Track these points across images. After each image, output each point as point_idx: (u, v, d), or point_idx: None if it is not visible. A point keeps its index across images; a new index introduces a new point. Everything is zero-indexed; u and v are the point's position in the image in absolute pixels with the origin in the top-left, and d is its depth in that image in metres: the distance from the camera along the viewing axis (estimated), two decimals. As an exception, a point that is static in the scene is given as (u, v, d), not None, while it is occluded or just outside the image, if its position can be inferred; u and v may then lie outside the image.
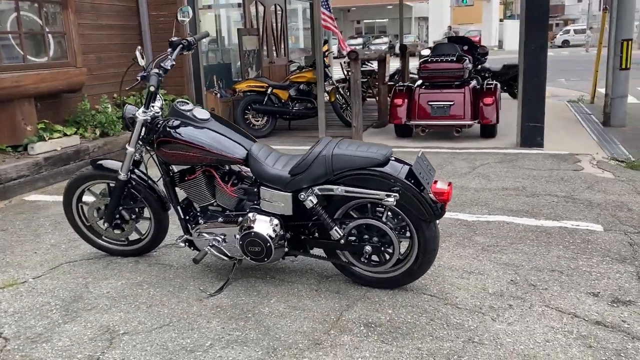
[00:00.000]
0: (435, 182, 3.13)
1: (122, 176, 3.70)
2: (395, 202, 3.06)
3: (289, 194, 3.27)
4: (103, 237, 4.07)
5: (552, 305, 3.17)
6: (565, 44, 45.90)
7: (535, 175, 6.01)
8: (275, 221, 3.36)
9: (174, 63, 3.52)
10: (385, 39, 40.44)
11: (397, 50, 13.73)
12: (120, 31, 8.29)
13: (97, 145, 7.03)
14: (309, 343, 2.88)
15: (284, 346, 2.86)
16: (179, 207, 3.64)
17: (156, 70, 3.44)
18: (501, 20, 53.67)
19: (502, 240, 4.20)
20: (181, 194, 3.66)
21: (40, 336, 3.05)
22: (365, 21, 56.05)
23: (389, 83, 10.66)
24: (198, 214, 3.65)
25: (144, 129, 3.57)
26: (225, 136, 3.41)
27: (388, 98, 9.56)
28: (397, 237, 3.21)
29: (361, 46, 31.75)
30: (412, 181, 3.11)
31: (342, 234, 3.27)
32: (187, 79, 8.82)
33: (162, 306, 3.33)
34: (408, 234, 3.28)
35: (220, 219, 3.49)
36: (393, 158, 3.19)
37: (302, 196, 3.20)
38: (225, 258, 3.53)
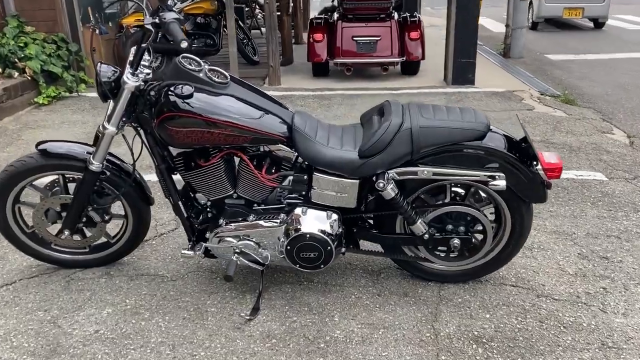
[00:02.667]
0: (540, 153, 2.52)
1: (96, 166, 2.59)
2: (504, 185, 2.41)
3: (357, 181, 2.47)
4: (52, 246, 2.94)
5: (648, 284, 2.82)
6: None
7: (496, 117, 5.70)
8: (334, 216, 2.56)
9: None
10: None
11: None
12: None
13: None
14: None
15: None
16: (181, 204, 2.66)
17: (174, 15, 2.33)
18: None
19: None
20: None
21: None
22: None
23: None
24: (208, 210, 2.70)
25: (134, 100, 2.49)
26: (257, 106, 2.47)
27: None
28: (491, 224, 2.59)
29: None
30: (517, 154, 2.47)
31: (426, 228, 2.56)
32: (60, 11, 7.11)
33: (192, 346, 2.42)
34: (491, 215, 2.68)
35: (251, 217, 2.59)
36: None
37: (380, 184, 2.42)
38: (259, 267, 2.67)
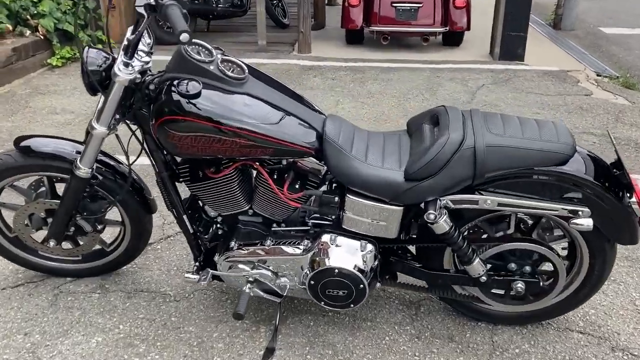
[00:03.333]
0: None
1: (84, 172, 2.14)
2: (591, 225, 1.90)
3: (400, 208, 1.97)
4: (39, 252, 2.52)
5: None
6: None
7: (550, 103, 5.08)
8: (370, 247, 2.09)
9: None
10: None
11: None
12: None
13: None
14: None
15: None
16: (186, 217, 2.20)
17: None
18: None
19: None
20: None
21: None
22: None
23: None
24: (219, 225, 2.25)
25: (130, 94, 2.01)
26: (280, 108, 1.97)
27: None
28: (563, 263, 2.09)
29: None
30: (606, 183, 1.95)
31: (484, 269, 2.07)
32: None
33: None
34: (563, 249, 2.18)
35: (269, 241, 2.13)
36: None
37: (430, 216, 1.92)
38: (276, 299, 2.22)
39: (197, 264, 2.25)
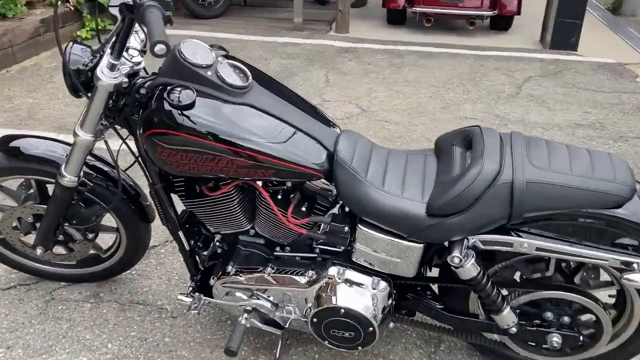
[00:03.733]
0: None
1: (69, 180, 1.92)
2: (646, 281, 1.59)
3: (420, 245, 1.69)
4: (31, 256, 2.35)
5: None
6: None
7: (602, 101, 4.65)
8: (383, 285, 1.82)
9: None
10: None
11: None
12: None
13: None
14: None
15: None
16: (181, 234, 1.97)
17: None
18: None
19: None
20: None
21: None
22: None
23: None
24: (218, 243, 2.01)
25: (117, 98, 1.78)
26: (287, 122, 1.70)
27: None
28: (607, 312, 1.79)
29: None
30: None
31: (516, 319, 1.78)
32: None
33: None
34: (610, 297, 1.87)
35: (269, 269, 1.88)
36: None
37: (455, 259, 1.63)
38: (276, 331, 1.99)
39: (192, 284, 2.03)
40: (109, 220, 2.23)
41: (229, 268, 1.91)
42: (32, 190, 2.16)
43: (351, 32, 6.49)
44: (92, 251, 2.32)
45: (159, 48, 1.32)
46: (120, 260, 2.32)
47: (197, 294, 2.00)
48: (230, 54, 1.82)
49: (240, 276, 1.90)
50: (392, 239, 1.71)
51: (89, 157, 2.05)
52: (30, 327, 2.22)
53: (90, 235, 2.18)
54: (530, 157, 1.62)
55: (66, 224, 2.10)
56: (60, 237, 2.15)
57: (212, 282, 1.96)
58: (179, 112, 1.61)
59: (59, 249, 2.26)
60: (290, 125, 1.70)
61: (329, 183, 1.80)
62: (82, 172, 1.94)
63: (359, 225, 1.74)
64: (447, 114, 4.33)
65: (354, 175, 1.69)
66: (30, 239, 2.20)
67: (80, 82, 1.74)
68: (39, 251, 2.13)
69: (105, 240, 2.42)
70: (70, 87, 1.75)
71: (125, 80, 1.67)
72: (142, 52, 1.77)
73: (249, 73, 1.71)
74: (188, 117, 1.61)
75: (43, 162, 2.02)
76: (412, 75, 5.13)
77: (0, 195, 2.24)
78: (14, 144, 2.05)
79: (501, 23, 6.66)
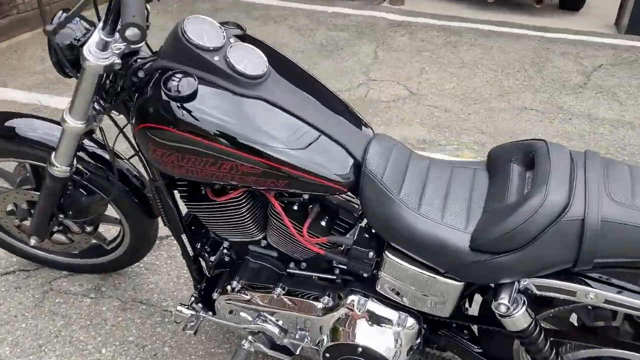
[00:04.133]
0: None
1: (59, 170, 1.68)
2: None
3: (459, 284, 1.38)
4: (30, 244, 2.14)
5: None
6: None
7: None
8: (410, 322, 1.53)
9: None
10: None
11: None
12: None
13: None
14: None
15: None
16: (184, 237, 1.71)
17: None
18: None
19: None
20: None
21: None
22: None
23: None
24: (226, 250, 1.75)
25: (115, 79, 1.52)
26: (308, 122, 1.39)
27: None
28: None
29: None
30: None
31: (570, 379, 1.47)
32: None
33: None
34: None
35: (279, 289, 1.61)
36: None
37: (502, 308, 1.32)
38: (284, 357, 1.72)
39: (195, 293, 1.78)
40: (111, 212, 2.00)
41: (234, 283, 1.65)
42: (28, 174, 1.94)
43: (406, 4, 6.06)
44: (95, 241, 2.11)
45: (131, 33, 1.04)
46: (124, 254, 2.10)
47: (199, 305, 1.76)
48: (247, 34, 1.52)
49: (246, 294, 1.64)
50: (426, 272, 1.40)
51: (87, 143, 1.83)
52: (22, 321, 2.03)
53: (89, 228, 1.95)
54: (608, 188, 1.28)
55: (61, 215, 1.87)
56: (55, 228, 1.93)
57: (215, 296, 1.70)
58: (178, 104, 1.33)
59: (59, 238, 2.05)
60: (312, 126, 1.40)
61: (354, 196, 1.50)
62: (75, 161, 1.70)
63: (386, 251, 1.44)
64: (504, 103, 3.92)
65: (384, 192, 1.38)
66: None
67: (70, 60, 1.47)
68: (32, 241, 1.92)
69: (111, 230, 2.20)
70: (57, 64, 1.49)
71: (118, 61, 1.40)
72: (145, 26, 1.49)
73: (265, 58, 1.41)
74: (187, 110, 1.33)
75: (36, 145, 1.79)
76: (469, 56, 4.71)
77: (-4, 177, 2.03)
78: (9, 123, 1.83)
79: (571, 2, 6.09)
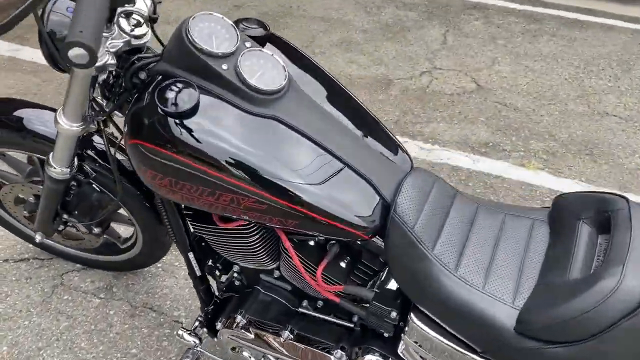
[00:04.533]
0: None
1: (57, 172, 1.50)
2: None
3: (500, 366, 1.11)
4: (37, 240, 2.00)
5: None
6: None
7: None
8: (435, 396, 1.26)
9: None
10: None
11: None
12: None
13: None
14: None
15: None
16: (191, 255, 1.51)
17: None
18: None
19: None
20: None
21: None
22: None
23: None
24: (236, 275, 1.54)
25: (117, 76, 1.32)
26: (330, 151, 1.14)
27: None
28: None
29: None
30: None
31: None
32: None
33: None
34: None
35: (287, 332, 1.39)
36: None
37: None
38: (291, 403, 1.51)
39: (200, 317, 1.59)
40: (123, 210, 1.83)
41: (239, 318, 1.44)
42: (37, 166, 1.79)
43: (485, -17, 5.57)
44: (108, 238, 1.95)
45: (74, 53, 0.81)
46: (138, 255, 1.94)
47: (203, 330, 1.57)
48: (272, 34, 1.27)
49: (250, 332, 1.42)
50: (458, 348, 1.14)
51: (95, 140, 1.64)
52: (26, 317, 1.92)
53: (96, 230, 1.79)
54: None
55: (65, 215, 1.71)
56: (61, 227, 1.78)
57: (219, 326, 1.50)
58: (176, 121, 1.11)
59: (70, 234, 1.90)
60: (333, 155, 1.15)
61: (380, 238, 1.24)
62: (76, 161, 1.52)
63: (412, 314, 1.18)
64: (583, 106, 3.50)
65: (415, 244, 1.12)
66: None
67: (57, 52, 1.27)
68: (38, 237, 1.77)
69: (127, 229, 2.04)
70: (49, 57, 1.29)
71: (112, 62, 1.18)
72: (151, 19, 1.27)
73: (284, 68, 1.16)
74: (185, 128, 1.11)
75: (43, 140, 1.62)
76: (549, 48, 4.25)
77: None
78: (18, 113, 1.67)
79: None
